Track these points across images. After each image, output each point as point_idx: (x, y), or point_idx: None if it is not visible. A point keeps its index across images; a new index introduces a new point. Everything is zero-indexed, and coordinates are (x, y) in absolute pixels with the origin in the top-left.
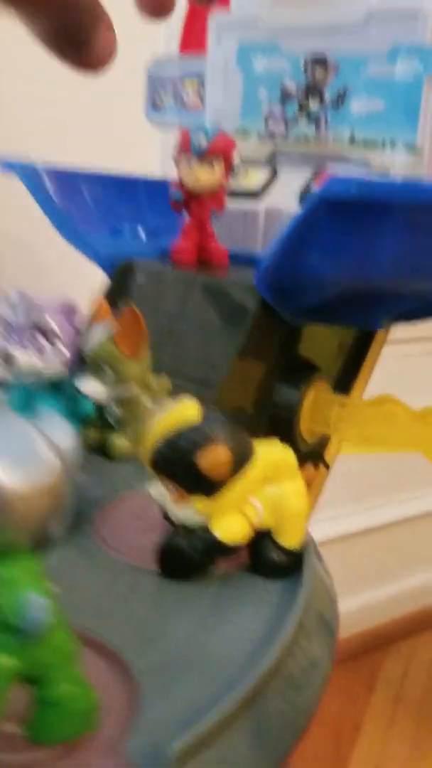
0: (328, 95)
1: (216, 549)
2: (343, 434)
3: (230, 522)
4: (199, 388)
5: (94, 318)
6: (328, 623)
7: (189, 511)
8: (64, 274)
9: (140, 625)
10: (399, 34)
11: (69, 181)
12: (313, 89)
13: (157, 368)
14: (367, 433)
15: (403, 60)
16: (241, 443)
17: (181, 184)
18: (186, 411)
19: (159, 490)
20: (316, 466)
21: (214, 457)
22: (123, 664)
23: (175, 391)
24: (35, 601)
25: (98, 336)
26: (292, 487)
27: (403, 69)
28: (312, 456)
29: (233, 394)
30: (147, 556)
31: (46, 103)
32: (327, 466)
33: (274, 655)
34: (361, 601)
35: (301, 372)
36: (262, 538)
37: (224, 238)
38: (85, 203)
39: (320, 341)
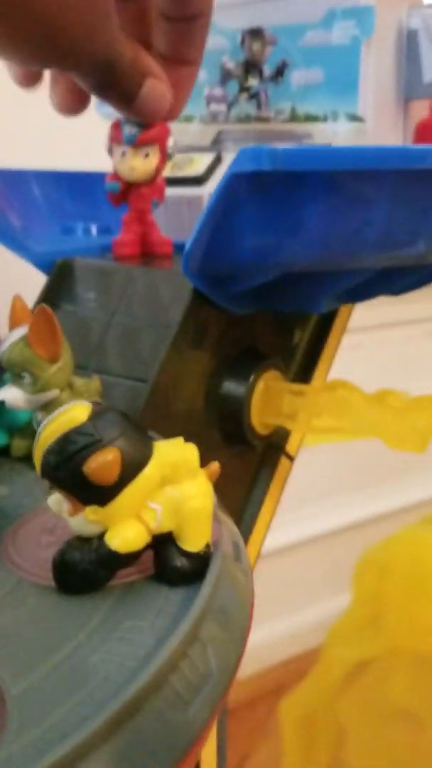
0: (267, 69)
1: (111, 560)
2: (302, 425)
3: (125, 529)
4: (138, 386)
5: (12, 322)
6: (236, 627)
7: (83, 520)
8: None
9: (26, 648)
10: None
11: (17, 180)
12: (251, 65)
13: (94, 368)
14: (322, 422)
15: (339, 24)
16: (135, 443)
17: (116, 176)
18: (73, 413)
19: (56, 501)
20: (277, 458)
21: (101, 460)
22: None
23: (109, 392)
24: None
25: (11, 340)
26: (192, 486)
27: (339, 34)
28: (273, 448)
29: (173, 389)
30: (48, 572)
31: None
32: (290, 458)
33: (152, 671)
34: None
35: (248, 361)
36: (164, 544)
37: (170, 227)
38: (36, 203)
39: (272, 327)
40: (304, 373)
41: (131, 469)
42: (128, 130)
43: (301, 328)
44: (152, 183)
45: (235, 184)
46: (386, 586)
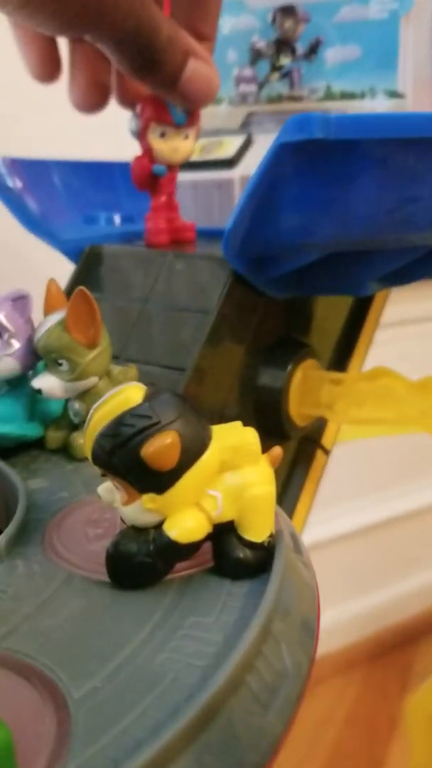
0: (300, 48)
1: (170, 550)
2: (340, 416)
3: (185, 518)
4: (174, 374)
5: (47, 307)
6: (305, 622)
7: (138, 509)
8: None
9: (84, 647)
10: None
11: (38, 170)
12: (283, 44)
13: (128, 357)
14: (363, 413)
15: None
16: (194, 426)
17: (148, 158)
18: (127, 395)
19: (108, 490)
20: (313, 452)
21: (160, 444)
22: (57, 692)
23: (145, 380)
24: None
25: (48, 325)
26: (254, 472)
27: (377, 9)
28: (308, 441)
29: (209, 378)
30: (100, 566)
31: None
32: (326, 452)
33: (228, 672)
34: (388, 593)
35: (286, 350)
36: (225, 534)
37: (199, 212)
38: (58, 193)
39: (309, 314)
40: (340, 361)
41: (191, 453)
42: (179, 109)
43: (336, 315)
44: (176, 167)
45: (282, 155)
46: None
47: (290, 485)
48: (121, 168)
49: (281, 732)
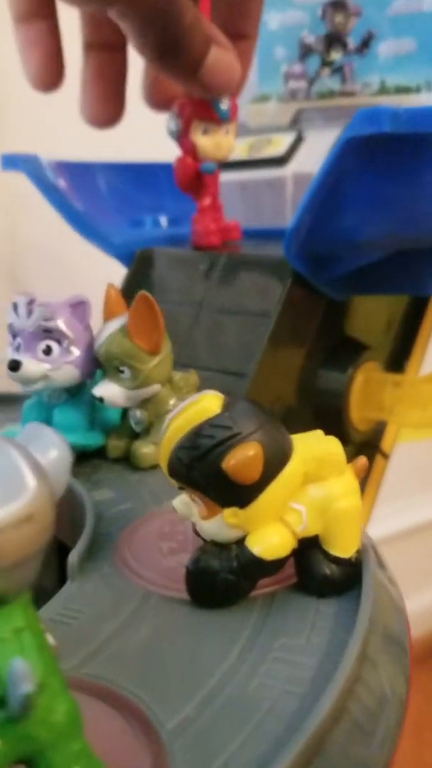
0: (351, 42)
1: (254, 567)
2: (400, 419)
3: (269, 534)
4: (232, 380)
5: (107, 313)
6: (398, 641)
7: (219, 524)
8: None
9: (169, 671)
10: None
11: (84, 173)
12: (334, 38)
13: (185, 362)
14: (427, 415)
15: None
16: (275, 437)
17: (192, 157)
18: (205, 404)
19: (184, 503)
20: (372, 456)
21: (242, 456)
22: (148, 723)
23: (205, 386)
24: (19, 670)
25: (109, 332)
26: (340, 484)
27: None
28: (367, 446)
29: (270, 383)
30: (177, 582)
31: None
32: (385, 456)
33: (331, 699)
34: None
35: (347, 353)
36: (309, 549)
37: (249, 212)
38: (103, 196)
39: (366, 315)
40: (398, 362)
41: (273, 465)
42: (225, 104)
43: (393, 316)
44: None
45: (349, 150)
46: None
47: None
48: (163, 169)
49: (387, 761)
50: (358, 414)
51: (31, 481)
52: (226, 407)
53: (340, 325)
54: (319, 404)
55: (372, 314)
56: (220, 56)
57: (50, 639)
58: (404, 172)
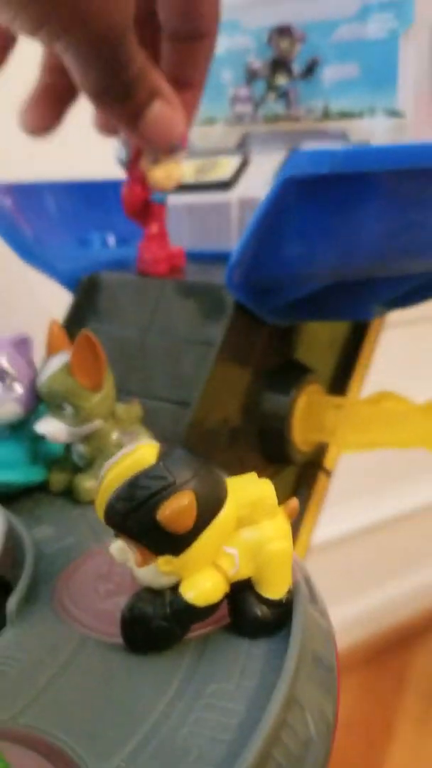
0: (296, 67)
1: (188, 614)
2: (341, 441)
3: (202, 580)
4: (176, 409)
5: (50, 348)
6: (327, 678)
7: (154, 571)
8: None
9: (104, 720)
10: None
11: (32, 194)
12: (279, 63)
13: (131, 388)
14: (368, 437)
15: (375, 17)
16: (210, 485)
17: (140, 185)
18: (141, 454)
19: (121, 550)
20: (315, 474)
21: (176, 506)
22: None
23: (149, 416)
24: None
25: (51, 369)
26: (272, 527)
27: (375, 27)
28: (310, 465)
29: (214, 409)
30: (113, 626)
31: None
32: (328, 474)
33: (255, 750)
34: (381, 596)
35: (290, 375)
36: (242, 591)
37: (194, 235)
38: (52, 216)
39: (309, 338)
40: (340, 384)
41: (208, 512)
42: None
43: (335, 338)
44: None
45: (287, 188)
46: None
47: None
48: (113, 187)
49: None
50: (301, 436)
51: None
52: (162, 456)
53: (283, 348)
54: (264, 426)
55: (315, 337)
56: (163, 112)
57: None
58: (342, 208)
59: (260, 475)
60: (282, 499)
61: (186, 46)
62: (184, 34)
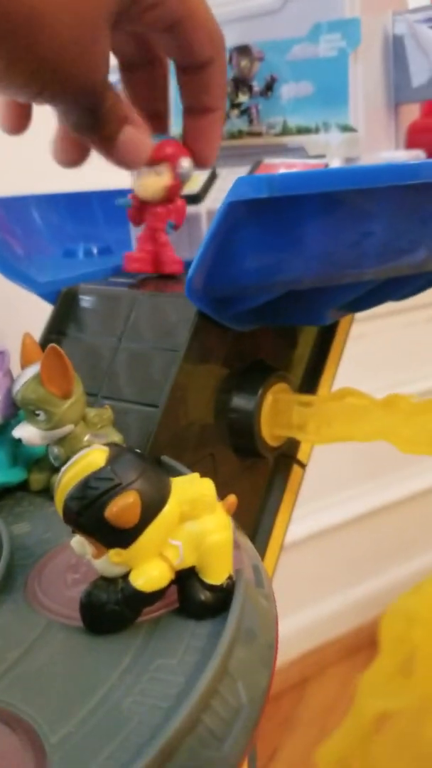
0: (256, 85)
1: (137, 599)
2: (309, 435)
3: (149, 569)
4: (145, 411)
5: (23, 360)
6: (264, 655)
7: (106, 562)
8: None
9: (60, 693)
10: (319, 11)
11: (17, 207)
12: (241, 81)
13: (104, 395)
14: (333, 431)
15: (325, 37)
16: (154, 484)
17: (133, 194)
18: (92, 458)
19: (79, 543)
20: (289, 466)
21: (122, 504)
22: (36, 738)
23: (121, 418)
24: None
25: (25, 379)
26: (211, 521)
27: (326, 47)
28: (284, 456)
29: (183, 410)
30: (76, 612)
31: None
32: (302, 466)
33: (183, 713)
34: (389, 578)
35: (256, 375)
36: (187, 578)
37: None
38: (37, 229)
39: (275, 339)
40: (310, 382)
41: (151, 509)
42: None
43: (304, 338)
44: (167, 203)
45: (233, 210)
46: (415, 632)
47: (269, 500)
48: (97, 197)
49: (237, 760)
50: (269, 431)
51: None
52: (110, 460)
53: (249, 350)
54: (233, 423)
55: (280, 339)
56: (132, 135)
57: None
58: (286, 226)
59: (233, 469)
60: (257, 491)
61: (193, 75)
62: (187, 65)
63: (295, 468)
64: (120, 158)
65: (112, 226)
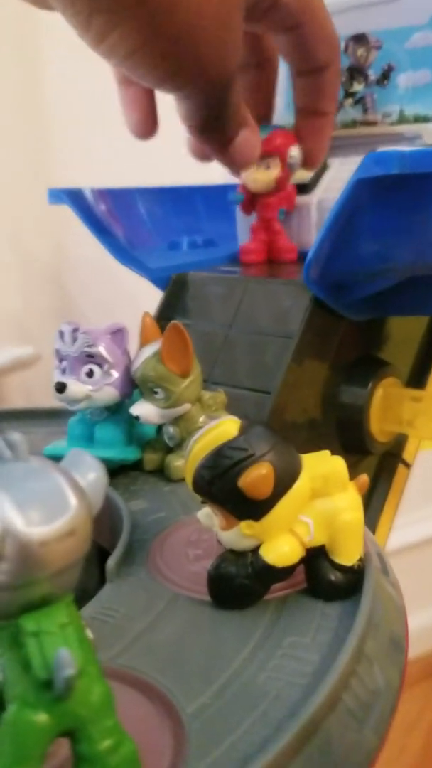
0: (372, 74)
1: (267, 574)
2: (420, 432)
3: (280, 544)
4: (257, 397)
5: (143, 339)
6: (395, 641)
7: (237, 534)
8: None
9: (191, 663)
10: None
11: (124, 200)
12: (356, 70)
13: (217, 380)
14: None
15: None
16: (286, 457)
17: (244, 187)
18: (224, 428)
19: (207, 515)
20: (395, 466)
21: (256, 474)
22: (172, 707)
23: (233, 403)
24: (63, 657)
25: (144, 357)
26: (343, 499)
27: None
28: (390, 455)
29: (294, 398)
30: (201, 585)
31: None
32: (407, 465)
33: (326, 690)
34: None
35: (367, 368)
36: (317, 558)
37: None
38: (143, 221)
39: (386, 333)
40: (419, 377)
41: (284, 482)
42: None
43: (413, 331)
44: (278, 192)
45: (360, 189)
46: None
47: (373, 499)
48: (201, 192)
49: (376, 746)
50: (378, 426)
51: (72, 500)
52: (243, 431)
53: (360, 342)
54: (342, 417)
55: (391, 332)
56: (248, 137)
57: (89, 633)
58: (412, 206)
59: None
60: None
61: (309, 78)
62: (304, 69)
63: (400, 468)
64: (233, 160)
65: (214, 219)
